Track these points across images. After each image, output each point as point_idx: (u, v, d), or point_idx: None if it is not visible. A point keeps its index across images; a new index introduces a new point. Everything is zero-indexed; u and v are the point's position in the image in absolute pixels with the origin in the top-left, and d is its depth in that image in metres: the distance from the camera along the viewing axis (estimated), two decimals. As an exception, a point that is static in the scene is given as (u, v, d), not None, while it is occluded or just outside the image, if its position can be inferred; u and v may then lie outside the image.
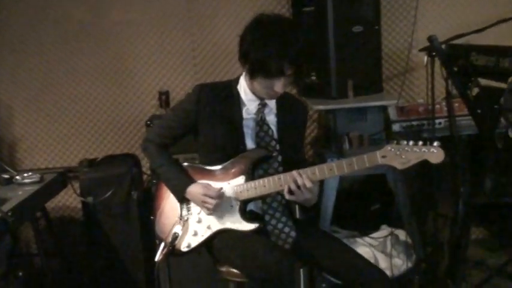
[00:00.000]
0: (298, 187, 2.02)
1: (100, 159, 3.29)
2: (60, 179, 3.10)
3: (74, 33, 3.69)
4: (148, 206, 2.96)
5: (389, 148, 1.96)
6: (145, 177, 3.40)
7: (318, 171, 2.03)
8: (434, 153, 1.92)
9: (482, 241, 3.78)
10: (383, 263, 3.13)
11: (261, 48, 1.99)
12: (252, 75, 2.08)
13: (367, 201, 3.58)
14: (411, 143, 1.94)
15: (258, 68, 2.03)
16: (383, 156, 1.96)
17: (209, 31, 3.70)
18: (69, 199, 3.81)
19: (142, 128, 3.70)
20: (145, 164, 3.53)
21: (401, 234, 3.28)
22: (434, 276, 3.01)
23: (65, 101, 3.77)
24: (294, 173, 2.03)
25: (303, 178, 2.02)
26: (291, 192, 2.04)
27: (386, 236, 3.29)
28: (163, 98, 3.60)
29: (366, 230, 3.43)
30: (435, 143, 1.93)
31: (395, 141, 1.95)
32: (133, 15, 3.68)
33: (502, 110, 2.04)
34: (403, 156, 1.94)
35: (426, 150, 1.92)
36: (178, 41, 3.72)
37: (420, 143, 1.94)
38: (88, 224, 3.14)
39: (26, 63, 3.71)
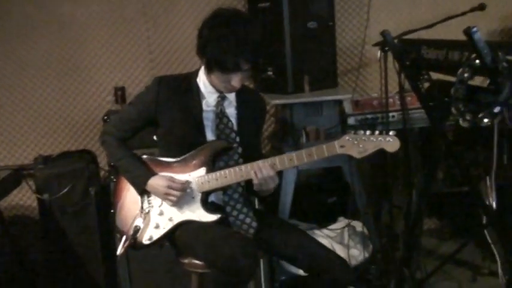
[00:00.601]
0: (263, 177, 2.05)
1: (56, 156, 3.23)
2: (14, 177, 3.04)
3: (22, 28, 3.60)
4: (106, 202, 2.92)
5: (347, 138, 2.01)
6: (102, 173, 3.36)
7: (278, 162, 2.06)
8: (390, 142, 1.98)
9: (434, 231, 3.91)
10: (341, 254, 3.14)
11: (218, 43, 2.02)
12: (209, 70, 2.10)
13: (324, 194, 3.64)
14: (368, 132, 2.00)
15: (214, 63, 2.05)
16: (341, 146, 2.01)
17: (165, 25, 3.68)
18: (23, 198, 3.71)
19: (98, 124, 3.65)
20: (103, 160, 3.50)
21: (358, 226, 3.36)
22: (391, 265, 3.09)
23: (16, 97, 3.68)
24: (260, 162, 2.06)
25: (267, 167, 2.05)
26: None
27: (343, 228, 3.36)
28: (119, 93, 3.58)
29: (323, 222, 3.49)
30: (391, 132, 1.99)
31: (352, 132, 2.01)
32: (85, 9, 3.62)
33: (452, 100, 2.11)
34: (361, 146, 1.99)
35: (382, 139, 1.98)
36: (133, 36, 3.69)
37: (377, 132, 2.00)
38: (44, 221, 3.07)
39: (-27, 60, 3.62)
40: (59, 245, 3.05)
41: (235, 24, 2.03)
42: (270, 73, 3.37)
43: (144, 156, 2.28)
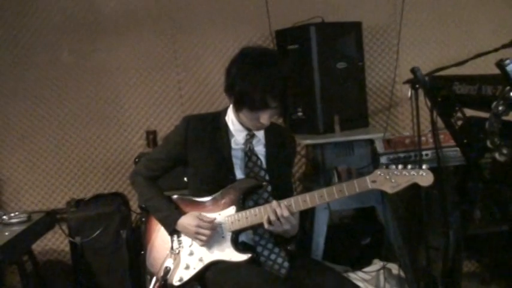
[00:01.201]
0: (278, 218, 2.01)
1: (88, 199, 3.27)
2: (48, 219, 3.06)
3: (58, 76, 3.72)
4: (137, 244, 2.92)
5: (378, 173, 1.96)
6: (134, 216, 3.37)
7: (308, 199, 2.03)
8: (424, 176, 1.93)
9: (474, 274, 3.76)
10: (376, 298, 3.10)
11: (246, 81, 2.02)
12: (237, 108, 2.10)
13: (357, 236, 3.57)
14: (400, 166, 1.95)
15: (243, 100, 2.05)
16: (373, 181, 1.97)
17: (195, 69, 3.75)
18: (56, 242, 3.75)
19: (130, 168, 3.69)
20: (134, 204, 3.51)
21: (394, 268, 3.26)
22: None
23: (52, 142, 3.76)
24: (274, 203, 2.04)
25: (281, 208, 2.02)
26: (270, 222, 2.04)
27: (378, 270, 3.26)
28: (151, 137, 3.62)
29: (358, 264, 3.40)
30: (424, 166, 1.94)
31: (384, 166, 1.96)
32: (118, 57, 3.72)
33: (487, 134, 2.06)
34: (393, 180, 1.95)
35: (415, 174, 1.93)
36: (164, 80, 3.76)
37: (409, 166, 1.95)
38: (76, 264, 3.08)
39: (12, 106, 3.72)
40: (92, 285, 3.03)
41: (263, 61, 2.04)
42: (300, 114, 3.37)
43: (175, 196, 2.28)
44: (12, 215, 2.92)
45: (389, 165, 1.97)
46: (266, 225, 2.04)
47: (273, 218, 2.01)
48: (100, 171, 3.79)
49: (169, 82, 3.76)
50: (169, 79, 3.76)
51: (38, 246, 3.70)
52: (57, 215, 3.35)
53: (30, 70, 3.70)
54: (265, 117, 2.06)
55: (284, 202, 2.03)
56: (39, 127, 3.75)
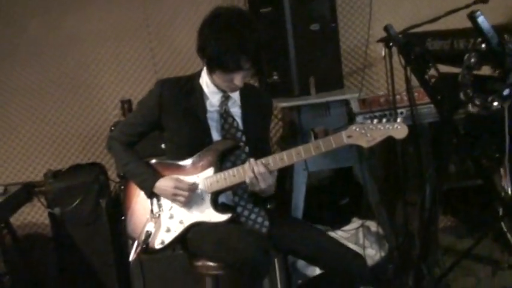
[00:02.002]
0: (255, 176, 2.02)
1: (65, 170, 3.23)
2: (25, 191, 3.03)
3: (27, 48, 3.63)
4: (117, 213, 2.90)
5: (354, 128, 1.97)
6: (112, 185, 3.35)
7: (286, 157, 2.04)
8: (398, 129, 1.94)
9: (450, 228, 3.85)
10: (356, 254, 3.15)
11: (218, 42, 2.00)
12: (210, 70, 2.09)
13: (336, 196, 3.61)
14: (375, 121, 1.97)
15: (215, 62, 2.03)
16: (349, 136, 1.98)
17: (168, 35, 3.69)
18: (35, 215, 3.72)
19: (106, 137, 3.63)
20: (113, 173, 3.49)
21: (372, 225, 3.32)
22: (408, 263, 3.04)
23: (25, 115, 3.70)
24: (251, 160, 2.04)
25: (258, 165, 2.02)
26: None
27: (357, 228, 3.32)
28: (126, 106, 3.56)
29: (337, 224, 3.46)
30: (398, 119, 1.95)
31: (359, 122, 1.98)
32: (88, 26, 3.64)
33: (460, 86, 2.08)
34: (368, 135, 1.96)
35: (390, 127, 1.94)
36: (137, 48, 3.70)
37: (384, 120, 1.97)
38: (57, 235, 3.06)
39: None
40: (72, 257, 3.04)
41: (235, 22, 2.01)
42: (275, 77, 3.36)
43: (153, 161, 2.27)
44: (-13, 188, 2.88)
45: (364, 121, 1.98)
46: (247, 181, 2.03)
47: (250, 175, 2.01)
48: (76, 142, 3.75)
49: (142, 50, 3.70)
50: (141, 47, 3.70)
51: (17, 220, 3.67)
52: (35, 187, 3.32)
53: (-3, 43, 3.61)
54: (238, 79, 2.05)
55: (262, 160, 2.04)
56: (10, 100, 3.68)
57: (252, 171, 2.01)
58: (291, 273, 3.10)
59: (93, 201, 3.04)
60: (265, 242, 2.00)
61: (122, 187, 2.75)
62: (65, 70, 3.68)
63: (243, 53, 2.00)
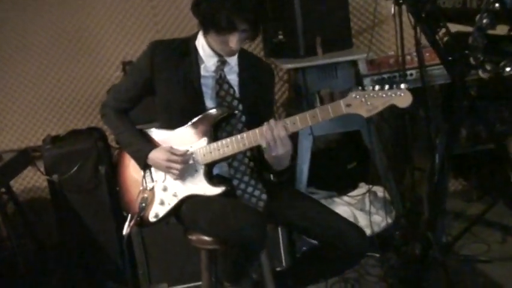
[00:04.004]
0: (273, 138, 1.87)
1: (64, 135, 3.15)
2: (22, 158, 2.98)
3: (21, 11, 3.52)
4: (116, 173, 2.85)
5: (354, 95, 1.84)
6: (112, 150, 3.27)
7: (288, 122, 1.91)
8: (402, 97, 1.81)
9: (461, 193, 3.76)
10: (362, 221, 3.10)
11: (212, 0, 1.86)
12: (204, 30, 1.95)
13: (343, 160, 3.52)
14: (377, 88, 1.83)
15: (209, 21, 1.90)
16: (347, 105, 1.85)
17: (169, -8, 3.55)
18: (38, 180, 3.69)
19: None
20: (113, 139, 3.41)
21: (379, 191, 3.24)
22: (415, 230, 2.97)
23: (24, 79, 3.62)
24: (271, 121, 1.88)
25: (278, 127, 1.86)
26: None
27: (364, 194, 3.24)
28: (127, 68, 3.46)
29: (343, 189, 3.39)
30: (402, 86, 1.81)
31: (360, 88, 1.85)
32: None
33: (470, 49, 1.94)
34: (369, 103, 1.83)
35: (393, 94, 1.80)
36: (137, 7, 3.57)
37: (386, 87, 1.82)
38: (55, 202, 3.01)
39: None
40: (73, 224, 2.99)
41: None
42: (280, 37, 3.22)
43: (148, 130, 2.17)
44: (-19, 156, 2.83)
45: (366, 87, 1.85)
46: (264, 144, 1.89)
47: (269, 137, 1.87)
48: (77, 105, 3.68)
49: (143, 8, 3.57)
50: (142, 5, 3.56)
51: (20, 185, 3.66)
52: (34, 152, 3.27)
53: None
54: (233, 41, 1.91)
55: (284, 121, 1.89)
56: (3, 63, 3.58)
57: (271, 133, 1.87)
58: (294, 240, 3.05)
59: (92, 168, 2.97)
60: (261, 219, 1.89)
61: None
62: (63, 31, 3.57)
63: (239, 12, 1.86)
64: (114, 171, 2.29)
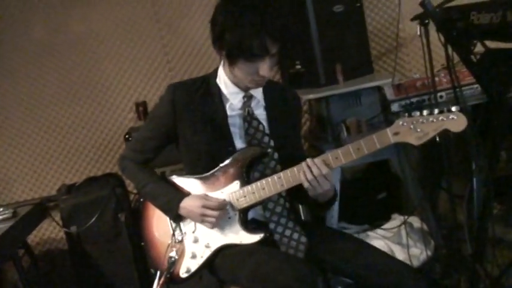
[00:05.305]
0: (315, 178, 1.73)
1: (80, 183, 3.03)
2: (38, 211, 2.83)
3: (33, 53, 3.46)
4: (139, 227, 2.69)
5: (401, 123, 1.68)
6: (132, 196, 3.12)
7: (330, 158, 1.76)
8: (455, 121, 1.64)
9: (498, 217, 3.55)
10: (400, 255, 2.91)
11: (238, 25, 1.70)
12: (231, 61, 1.78)
13: (372, 191, 3.36)
14: (425, 112, 1.67)
15: (237, 49, 1.73)
16: (395, 133, 1.69)
17: (181, 30, 3.47)
18: (54, 231, 3.55)
19: (122, 145, 3.45)
20: (130, 184, 3.26)
21: (415, 221, 3.06)
22: (458, 262, 2.76)
23: (35, 126, 3.53)
24: (308, 160, 1.75)
25: (317, 165, 1.73)
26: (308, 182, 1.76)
27: (399, 226, 3.05)
28: (141, 109, 3.39)
29: (375, 221, 3.21)
30: (453, 108, 1.65)
31: (406, 115, 1.69)
32: (94, 25, 3.45)
33: (508, 66, 1.79)
34: (419, 130, 1.66)
35: (445, 118, 1.64)
36: (148, 46, 3.49)
37: (436, 111, 1.66)
38: (74, 255, 2.86)
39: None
40: (92, 278, 2.83)
41: (254, 0, 1.73)
42: (298, 66, 3.12)
43: (174, 177, 2.00)
44: (-4, 211, 2.68)
45: (412, 112, 1.68)
46: (306, 185, 1.75)
47: (310, 177, 1.73)
48: (91, 150, 3.57)
49: (154, 47, 3.49)
50: (153, 44, 3.48)
51: (35, 236, 3.52)
52: (49, 203, 3.13)
53: (2, 49, 3.42)
54: (265, 68, 1.75)
55: (320, 158, 1.76)
56: (16, 109, 3.50)
57: (311, 172, 1.73)
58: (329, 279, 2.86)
59: (112, 216, 2.83)
60: (311, 271, 1.69)
61: (142, 200, 2.53)
62: (73, 74, 3.50)
63: (270, 33, 1.70)
64: (138, 219, 2.11)
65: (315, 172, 1.73)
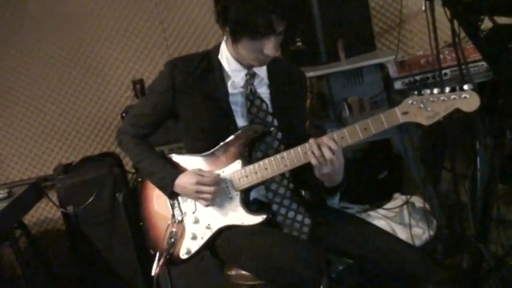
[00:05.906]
0: (322, 155, 1.66)
1: (76, 163, 2.98)
2: (33, 191, 2.78)
3: (27, 29, 3.37)
4: (137, 206, 2.64)
5: (410, 102, 1.62)
6: (129, 176, 3.07)
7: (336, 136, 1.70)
8: (467, 100, 1.58)
9: (501, 196, 3.53)
10: (402, 235, 2.87)
11: (244, 1, 1.64)
12: (235, 38, 1.71)
13: (373, 171, 3.31)
14: (436, 91, 1.61)
15: (242, 26, 1.67)
16: (404, 113, 1.63)
17: (178, 6, 3.37)
18: (51, 211, 3.50)
19: (119, 123, 3.36)
20: (128, 162, 3.22)
21: (418, 201, 3.02)
22: (462, 242, 2.74)
23: (30, 104, 3.46)
24: (318, 138, 1.69)
25: (329, 141, 1.66)
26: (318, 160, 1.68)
27: (401, 205, 3.01)
28: (138, 87, 3.31)
29: (377, 201, 3.16)
30: (465, 87, 1.59)
31: (415, 93, 1.63)
32: (90, 0, 3.35)
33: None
34: (429, 109, 1.60)
35: (457, 97, 1.58)
36: (145, 22, 3.41)
37: (447, 89, 1.60)
38: (71, 236, 2.82)
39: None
40: (90, 258, 2.80)
41: None
42: (299, 44, 3.05)
43: (173, 155, 1.96)
44: (-10, 192, 2.63)
45: (423, 90, 1.62)
46: (313, 161, 1.68)
47: (317, 153, 1.66)
48: (88, 130, 3.51)
49: (151, 23, 3.40)
50: (150, 20, 3.40)
51: (32, 217, 3.48)
52: (46, 182, 3.08)
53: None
54: (270, 46, 1.69)
55: (332, 135, 1.69)
56: (12, 89, 3.43)
57: (319, 149, 1.66)
58: (330, 259, 2.83)
59: (109, 195, 2.78)
60: (314, 253, 1.66)
61: (140, 179, 2.48)
62: (69, 51, 3.42)
63: (276, 11, 1.64)
64: (134, 198, 2.08)
65: (323, 149, 1.66)
